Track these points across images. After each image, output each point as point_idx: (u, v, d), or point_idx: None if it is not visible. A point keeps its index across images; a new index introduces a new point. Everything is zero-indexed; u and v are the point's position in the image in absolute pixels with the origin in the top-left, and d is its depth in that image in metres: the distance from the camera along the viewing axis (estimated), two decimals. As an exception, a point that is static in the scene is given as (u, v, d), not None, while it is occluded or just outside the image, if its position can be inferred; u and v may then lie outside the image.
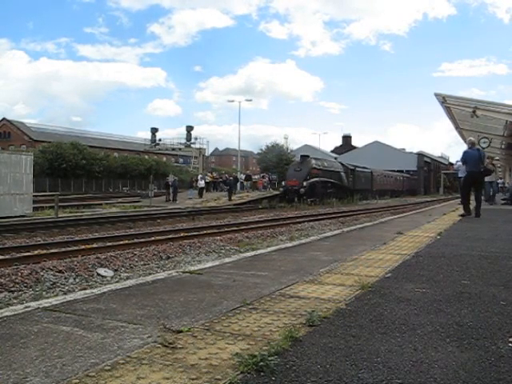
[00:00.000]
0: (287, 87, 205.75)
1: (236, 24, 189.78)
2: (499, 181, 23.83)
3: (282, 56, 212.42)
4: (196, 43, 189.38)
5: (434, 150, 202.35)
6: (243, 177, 37.62)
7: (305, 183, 28.77)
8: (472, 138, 11.02)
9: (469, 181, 10.10)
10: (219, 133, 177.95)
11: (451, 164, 74.58)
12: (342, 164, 36.64)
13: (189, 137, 41.73)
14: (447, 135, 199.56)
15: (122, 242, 9.56)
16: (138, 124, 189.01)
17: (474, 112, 13.41)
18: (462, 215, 9.95)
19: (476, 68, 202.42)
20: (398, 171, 56.03)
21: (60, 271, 6.53)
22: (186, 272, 3.70)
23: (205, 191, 32.64)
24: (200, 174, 34.91)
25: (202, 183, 30.00)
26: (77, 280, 6.32)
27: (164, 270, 6.54)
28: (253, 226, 13.60)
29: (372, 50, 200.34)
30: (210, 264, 4.24)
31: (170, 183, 28.70)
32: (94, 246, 9.09)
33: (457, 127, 20.11)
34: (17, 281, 5.92)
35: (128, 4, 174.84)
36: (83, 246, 8.96)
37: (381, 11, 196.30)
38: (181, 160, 49.12)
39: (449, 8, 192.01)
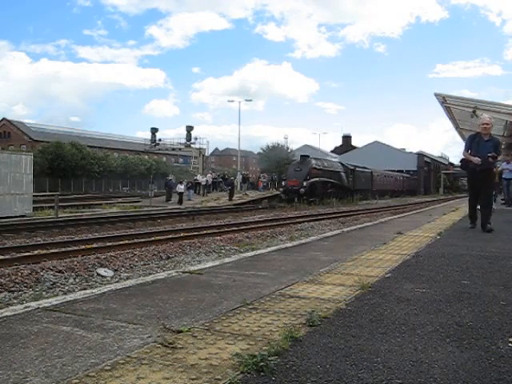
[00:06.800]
0: (283, 89, 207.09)
1: (233, 26, 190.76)
2: None
3: (279, 58, 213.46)
4: (194, 45, 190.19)
5: (432, 149, 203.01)
6: (240, 178, 37.43)
7: (305, 183, 28.78)
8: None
9: None
10: (218, 133, 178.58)
11: (451, 164, 74.56)
12: (341, 164, 36.66)
13: (189, 137, 41.71)
14: (445, 135, 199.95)
15: (121, 242, 9.56)
16: (137, 125, 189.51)
17: (474, 112, 13.37)
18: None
19: (471, 69, 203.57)
20: (398, 171, 56.01)
21: (60, 271, 6.53)
22: (186, 272, 3.70)
23: (207, 191, 32.51)
24: (199, 175, 34.82)
25: (181, 188, 27.14)
26: (77, 280, 6.32)
27: (164, 270, 6.53)
28: (253, 226, 13.59)
29: (366, 53, 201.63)
30: (210, 264, 4.23)
31: (170, 183, 28.70)
32: (94, 245, 9.09)
33: (457, 127, 20.10)
34: (17, 281, 5.92)
35: (126, 8, 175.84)
36: (83, 246, 8.96)
37: (374, 15, 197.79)
38: (181, 160, 49.14)
39: (441, 11, 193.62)
